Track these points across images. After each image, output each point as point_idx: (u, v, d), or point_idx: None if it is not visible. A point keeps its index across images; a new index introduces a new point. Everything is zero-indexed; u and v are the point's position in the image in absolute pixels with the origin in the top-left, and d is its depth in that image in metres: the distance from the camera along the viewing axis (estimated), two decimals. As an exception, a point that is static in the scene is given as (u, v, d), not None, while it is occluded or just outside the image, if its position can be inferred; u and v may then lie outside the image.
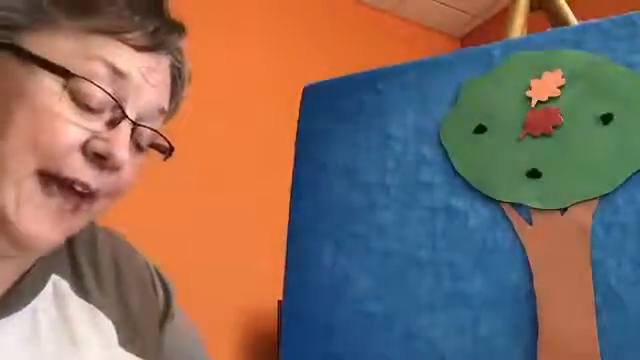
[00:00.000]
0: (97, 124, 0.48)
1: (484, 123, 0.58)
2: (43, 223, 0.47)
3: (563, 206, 0.53)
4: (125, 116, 0.49)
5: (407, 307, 0.56)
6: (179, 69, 0.56)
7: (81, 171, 0.47)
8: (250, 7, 2.35)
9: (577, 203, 0.52)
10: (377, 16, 2.72)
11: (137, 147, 0.53)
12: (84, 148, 0.47)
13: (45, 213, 0.47)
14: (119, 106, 0.49)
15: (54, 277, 0.55)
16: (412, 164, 0.60)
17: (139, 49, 0.50)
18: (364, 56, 2.31)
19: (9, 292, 0.51)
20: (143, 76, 0.50)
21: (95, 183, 0.48)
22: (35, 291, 0.53)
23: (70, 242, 0.58)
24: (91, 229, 0.62)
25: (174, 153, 0.57)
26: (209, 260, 1.91)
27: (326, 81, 0.69)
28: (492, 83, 0.59)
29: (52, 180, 0.47)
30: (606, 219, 0.51)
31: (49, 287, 0.54)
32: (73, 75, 0.46)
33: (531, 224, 0.53)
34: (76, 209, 0.49)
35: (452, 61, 0.62)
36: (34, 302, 0.52)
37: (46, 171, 0.46)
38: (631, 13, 0.56)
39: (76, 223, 0.50)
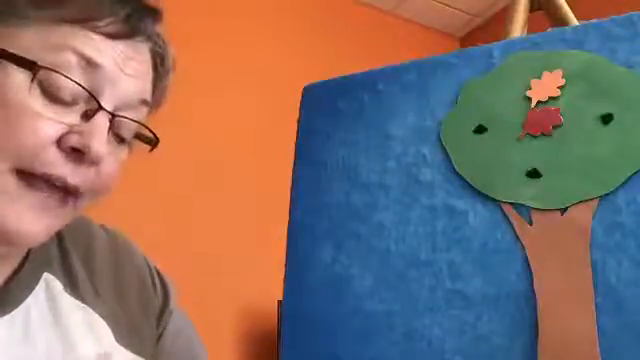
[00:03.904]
0: (72, 117, 0.47)
1: (484, 123, 0.58)
2: (25, 218, 0.45)
3: (563, 206, 0.53)
4: (100, 107, 0.47)
5: (407, 307, 0.56)
6: (161, 56, 0.54)
7: (57, 166, 0.46)
8: (249, 7, 2.35)
9: (577, 203, 0.52)
10: (377, 16, 2.72)
11: (118, 139, 0.51)
12: (60, 143, 0.46)
13: (25, 208, 0.45)
14: (92, 97, 0.47)
15: (46, 275, 0.54)
16: (412, 164, 0.60)
17: (112, 37, 0.48)
18: (364, 56, 2.31)
19: (1, 291, 0.51)
20: (118, 65, 0.48)
21: (73, 178, 0.47)
22: (28, 290, 0.52)
23: (61, 240, 0.58)
24: (87, 227, 0.62)
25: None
26: (209, 260, 1.91)
27: (326, 81, 0.69)
28: (492, 83, 0.59)
29: (32, 177, 0.45)
30: (606, 219, 0.51)
31: (42, 285, 0.53)
32: (40, 67, 0.44)
33: (531, 224, 0.53)
34: (62, 204, 0.47)
35: (452, 61, 0.62)
36: (27, 301, 0.51)
37: (22, 169, 0.45)
38: (631, 13, 0.56)
39: (62, 218, 0.49)
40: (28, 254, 0.54)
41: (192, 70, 2.05)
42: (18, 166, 0.45)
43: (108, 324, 0.57)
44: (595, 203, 0.51)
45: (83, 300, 0.56)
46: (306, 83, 0.70)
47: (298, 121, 0.68)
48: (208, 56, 2.15)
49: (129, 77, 0.49)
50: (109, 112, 0.48)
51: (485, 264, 0.54)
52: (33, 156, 0.45)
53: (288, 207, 0.65)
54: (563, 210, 0.52)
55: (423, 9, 2.73)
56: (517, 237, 0.54)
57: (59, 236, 0.58)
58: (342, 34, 2.57)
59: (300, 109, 0.69)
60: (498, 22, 2.53)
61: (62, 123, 0.46)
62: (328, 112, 0.66)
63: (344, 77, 0.68)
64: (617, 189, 0.51)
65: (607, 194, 0.51)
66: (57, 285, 0.55)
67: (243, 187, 2.07)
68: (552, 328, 0.50)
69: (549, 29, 0.61)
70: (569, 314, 0.49)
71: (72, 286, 0.56)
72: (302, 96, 0.69)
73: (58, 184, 0.46)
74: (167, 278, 0.67)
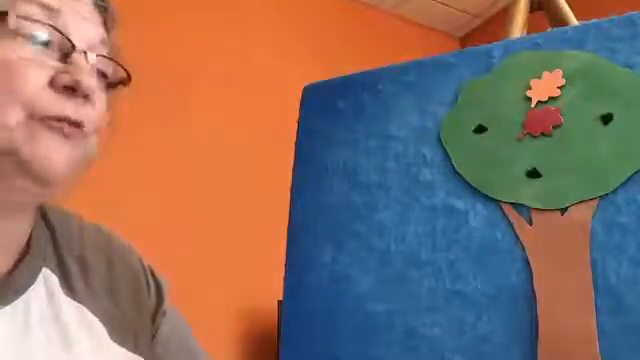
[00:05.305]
0: (54, 60, 0.50)
1: (484, 123, 0.58)
2: (54, 150, 0.49)
3: (563, 206, 0.53)
4: (74, 46, 0.51)
5: (407, 307, 0.56)
6: (105, 7, 0.58)
7: (58, 107, 0.49)
8: (249, 7, 2.35)
9: (577, 203, 0.52)
10: (377, 16, 2.72)
11: (101, 76, 0.54)
12: (52, 84, 0.49)
13: (47, 139, 0.49)
14: (65, 37, 0.50)
15: (45, 271, 0.55)
16: (412, 164, 0.60)
17: None
18: (364, 56, 2.31)
19: (3, 282, 0.51)
20: (73, 9, 0.52)
21: (76, 114, 0.50)
22: (30, 281, 0.53)
23: (55, 240, 0.59)
24: (80, 226, 0.62)
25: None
26: (209, 260, 1.91)
27: (326, 81, 0.69)
28: (492, 83, 0.59)
29: (43, 118, 0.49)
30: (606, 219, 0.51)
31: (41, 280, 0.54)
32: (15, 16, 0.48)
33: (531, 224, 0.53)
34: (73, 138, 0.51)
35: (452, 61, 0.62)
36: (28, 292, 0.52)
37: (31, 114, 0.48)
38: (631, 13, 0.56)
39: (78, 150, 0.52)
40: (28, 248, 0.54)
41: (192, 70, 2.05)
42: (27, 112, 0.48)
43: (102, 322, 0.57)
44: (595, 203, 0.51)
45: (77, 298, 0.57)
46: (306, 83, 0.70)
47: (298, 121, 0.68)
48: (207, 56, 2.15)
49: (84, 20, 0.54)
50: (83, 51, 0.52)
51: (485, 264, 0.54)
52: (35, 101, 0.48)
53: (288, 207, 0.65)
54: (563, 210, 0.53)
55: (423, 9, 2.73)
56: (517, 237, 0.54)
57: (53, 235, 0.59)
58: (342, 34, 2.57)
59: (300, 109, 0.69)
60: (498, 22, 2.53)
61: (50, 66, 0.50)
62: (328, 112, 0.66)
63: (344, 77, 0.68)
64: (617, 189, 0.51)
65: (607, 194, 0.51)
66: (55, 281, 0.55)
67: (243, 187, 2.07)
68: (552, 328, 0.50)
69: (549, 29, 0.62)
70: (569, 314, 0.49)
71: (67, 284, 0.57)
72: (302, 96, 0.69)
73: (62, 123, 0.50)
74: (161, 277, 0.67)
